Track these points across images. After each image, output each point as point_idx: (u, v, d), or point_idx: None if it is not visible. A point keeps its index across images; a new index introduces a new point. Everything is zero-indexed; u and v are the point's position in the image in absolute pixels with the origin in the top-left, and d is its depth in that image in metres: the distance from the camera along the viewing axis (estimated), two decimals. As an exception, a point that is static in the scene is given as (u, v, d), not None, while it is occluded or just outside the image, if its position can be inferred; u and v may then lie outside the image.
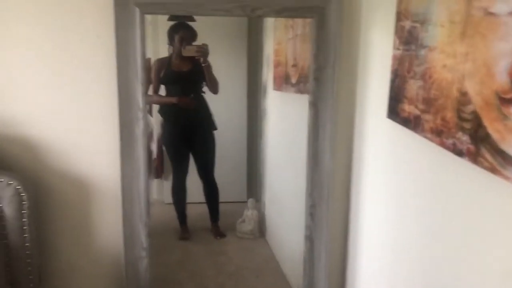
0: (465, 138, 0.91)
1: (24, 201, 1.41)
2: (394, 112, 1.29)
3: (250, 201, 3.25)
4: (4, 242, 1.42)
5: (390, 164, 1.38)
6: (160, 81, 2.77)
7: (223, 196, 3.09)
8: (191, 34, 2.75)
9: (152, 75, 2.77)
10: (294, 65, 2.29)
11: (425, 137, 1.09)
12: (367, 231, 1.57)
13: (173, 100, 2.78)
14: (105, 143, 1.56)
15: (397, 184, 1.34)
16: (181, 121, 2.85)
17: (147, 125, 1.54)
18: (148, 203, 1.59)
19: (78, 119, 1.56)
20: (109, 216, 1.61)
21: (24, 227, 1.42)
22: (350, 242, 1.72)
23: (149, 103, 2.83)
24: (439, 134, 1.02)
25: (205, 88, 2.86)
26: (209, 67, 2.74)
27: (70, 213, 1.61)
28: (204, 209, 3.07)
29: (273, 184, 2.91)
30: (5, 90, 1.51)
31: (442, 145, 1.01)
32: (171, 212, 3.12)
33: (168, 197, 3.33)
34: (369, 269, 1.57)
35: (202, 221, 3.11)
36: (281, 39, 2.58)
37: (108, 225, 1.62)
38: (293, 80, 2.31)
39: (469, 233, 0.96)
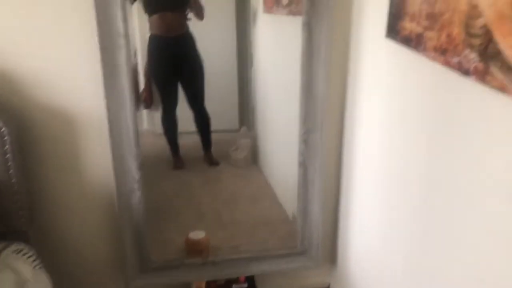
0: (473, 55, 0.85)
1: (5, 136, 1.34)
2: (394, 30, 1.20)
3: (243, 129, 3.21)
4: (-10, 179, 1.37)
5: (388, 87, 1.32)
6: (143, 7, 2.62)
7: (215, 125, 3.03)
8: None
9: None
10: (285, -16, 2.15)
11: (428, 56, 1.03)
12: (362, 156, 1.54)
13: None
14: (87, 74, 1.47)
15: (395, 108, 1.28)
16: (168, 50, 2.73)
17: (130, 53, 1.44)
18: (138, 135, 1.54)
19: (57, 49, 1.45)
20: (97, 149, 1.56)
21: (8, 163, 1.37)
22: (344, 167, 1.70)
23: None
24: (443, 53, 0.95)
25: (190, 15, 2.71)
26: None
27: (57, 148, 1.55)
28: (197, 138, 3.03)
29: (266, 111, 2.85)
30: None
31: (447, 64, 0.94)
32: (164, 142, 3.09)
33: (160, 127, 3.28)
34: (363, 193, 1.57)
35: (195, 150, 3.09)
36: (270, -45, 2.40)
37: (97, 159, 1.57)
38: (284, 1, 2.18)
39: (476, 155, 0.92)
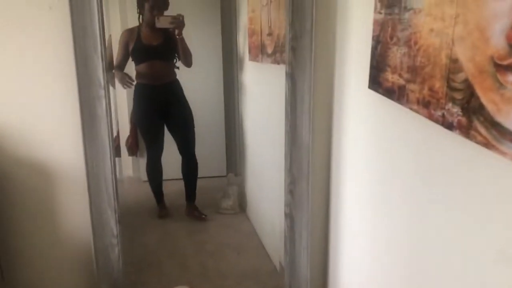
0: (455, 109, 0.83)
1: (-23, 191, 1.29)
2: (376, 82, 1.20)
3: (230, 176, 3.16)
4: (-41, 236, 1.31)
5: (372, 137, 1.30)
6: (129, 55, 2.60)
7: (202, 171, 2.99)
8: (163, 2, 2.56)
9: (118, 48, 2.60)
10: (270, 34, 2.17)
11: (411, 108, 1.01)
12: (349, 207, 1.50)
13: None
14: (65, 125, 1.44)
15: (380, 159, 1.26)
16: (155, 98, 2.71)
17: (110, 103, 1.41)
18: (117, 187, 1.49)
19: (35, 99, 1.42)
20: (74, 203, 1.50)
21: (-21, 220, 1.31)
22: (331, 218, 1.66)
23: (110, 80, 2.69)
24: (426, 106, 0.94)
25: (178, 63, 2.70)
26: (183, 39, 2.59)
27: (31, 201, 1.49)
28: (182, 185, 2.96)
29: (253, 158, 2.83)
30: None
31: (430, 117, 0.92)
32: (149, 189, 3.03)
33: (145, 175, 3.22)
34: (351, 246, 1.51)
35: (180, 198, 3.03)
36: (255, 6, 2.45)
37: (74, 212, 1.51)
38: (269, 50, 2.20)
39: (460, 211, 0.89)
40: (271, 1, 2.11)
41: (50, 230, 1.52)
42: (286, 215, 1.64)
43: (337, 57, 1.49)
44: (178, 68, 2.74)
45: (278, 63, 2.03)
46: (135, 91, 2.72)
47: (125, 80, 2.59)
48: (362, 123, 1.35)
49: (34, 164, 1.46)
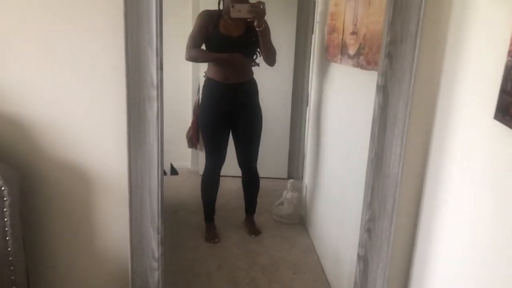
0: None
1: (5, 197, 1.12)
2: (507, 112, 0.88)
3: (291, 182, 2.90)
4: (-17, 245, 1.15)
5: (490, 183, 0.97)
6: (205, 43, 2.29)
7: (262, 171, 2.74)
8: None
9: (194, 30, 2.27)
10: (354, 33, 1.87)
11: None
12: (441, 262, 1.18)
13: (220, 56, 2.25)
14: (111, 128, 1.25)
15: (499, 217, 0.93)
16: (224, 101, 2.36)
17: (162, 106, 1.19)
18: (163, 204, 1.27)
19: (80, 97, 1.23)
20: (114, 217, 1.31)
21: (6, 229, 1.14)
22: (414, 269, 1.34)
23: (190, 58, 2.32)
24: None
25: (259, 59, 2.37)
26: (265, 32, 2.22)
27: (67, 212, 1.31)
28: (239, 183, 2.71)
29: (321, 167, 2.53)
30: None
31: None
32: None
33: (203, 169, 3.02)
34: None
35: (237, 198, 2.80)
36: (340, -1, 2.15)
37: (113, 226, 1.32)
38: (351, 51, 1.90)
39: None
40: (360, -5, 1.81)
41: (84, 246, 1.34)
42: (359, 257, 1.35)
43: (447, 69, 1.16)
44: (258, 65, 2.40)
45: (361, 68, 1.73)
46: (204, 87, 2.39)
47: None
48: (479, 162, 1.03)
49: (73, 169, 1.27)
